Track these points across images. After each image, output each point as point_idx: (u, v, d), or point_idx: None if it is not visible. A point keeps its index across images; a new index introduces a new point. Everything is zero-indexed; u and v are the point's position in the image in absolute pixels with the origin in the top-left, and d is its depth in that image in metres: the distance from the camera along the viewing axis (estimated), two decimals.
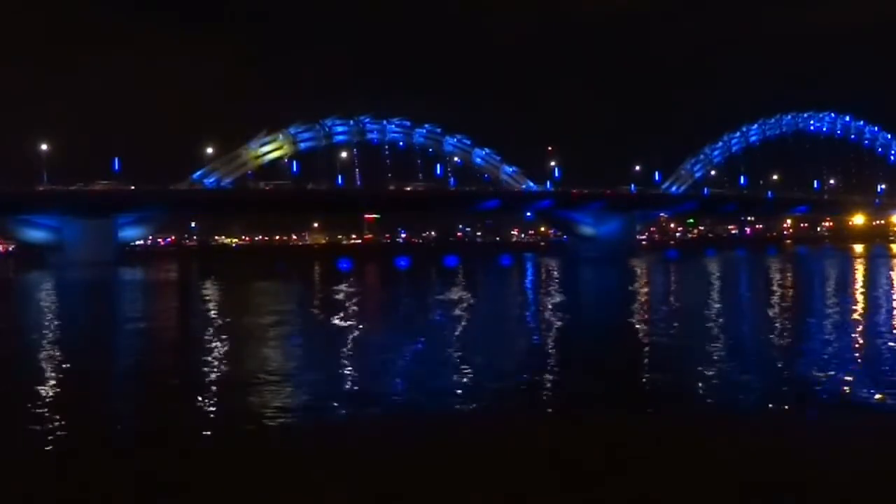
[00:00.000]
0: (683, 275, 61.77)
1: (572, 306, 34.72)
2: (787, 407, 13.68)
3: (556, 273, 65.58)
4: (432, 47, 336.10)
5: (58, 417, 13.24)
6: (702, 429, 12.38)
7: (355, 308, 33.93)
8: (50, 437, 11.98)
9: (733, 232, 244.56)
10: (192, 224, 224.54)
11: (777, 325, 25.84)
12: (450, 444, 11.57)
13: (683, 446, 11.28)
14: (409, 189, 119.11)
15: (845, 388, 15.03)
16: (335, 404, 14.14)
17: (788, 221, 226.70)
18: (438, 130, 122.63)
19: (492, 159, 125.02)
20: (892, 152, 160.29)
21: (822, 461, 10.53)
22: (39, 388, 15.88)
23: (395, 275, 70.41)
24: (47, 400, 14.91)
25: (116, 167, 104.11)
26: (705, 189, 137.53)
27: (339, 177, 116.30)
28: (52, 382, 16.87)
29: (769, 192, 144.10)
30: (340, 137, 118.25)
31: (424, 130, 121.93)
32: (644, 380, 16.38)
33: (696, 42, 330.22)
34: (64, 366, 19.14)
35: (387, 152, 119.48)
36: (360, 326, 26.39)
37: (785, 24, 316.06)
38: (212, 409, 14.24)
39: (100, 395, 15.94)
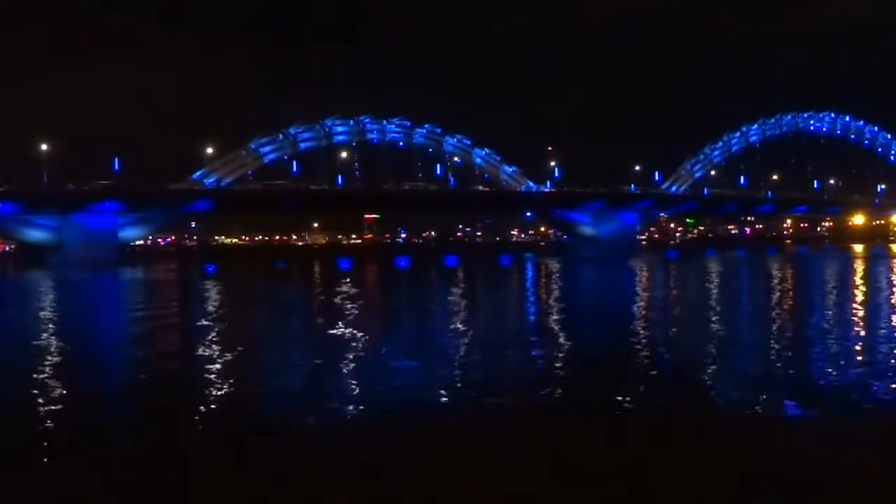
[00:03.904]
0: (684, 275, 61.73)
1: (573, 309, 34.68)
2: (776, 408, 13.67)
3: (555, 274, 65.54)
4: (433, 47, 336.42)
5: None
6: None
7: (354, 311, 33.84)
8: None
9: (733, 232, 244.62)
10: (192, 224, 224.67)
11: (777, 327, 25.81)
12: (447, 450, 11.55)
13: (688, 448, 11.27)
14: (409, 189, 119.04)
15: (849, 387, 15.03)
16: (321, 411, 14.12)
17: (788, 221, 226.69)
18: (438, 130, 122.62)
19: (492, 159, 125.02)
20: (892, 152, 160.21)
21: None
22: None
23: (396, 275, 70.37)
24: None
25: (116, 167, 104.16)
26: (705, 189, 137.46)
27: (339, 177, 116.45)
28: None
29: (769, 192, 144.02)
30: (340, 137, 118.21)
31: (424, 130, 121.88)
32: (640, 386, 16.33)
33: (697, 42, 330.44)
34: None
35: (387, 152, 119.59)
36: (358, 331, 26.33)
37: (785, 24, 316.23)
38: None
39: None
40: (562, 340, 23.07)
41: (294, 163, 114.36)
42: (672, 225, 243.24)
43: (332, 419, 13.24)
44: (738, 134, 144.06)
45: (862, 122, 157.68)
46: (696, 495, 9.22)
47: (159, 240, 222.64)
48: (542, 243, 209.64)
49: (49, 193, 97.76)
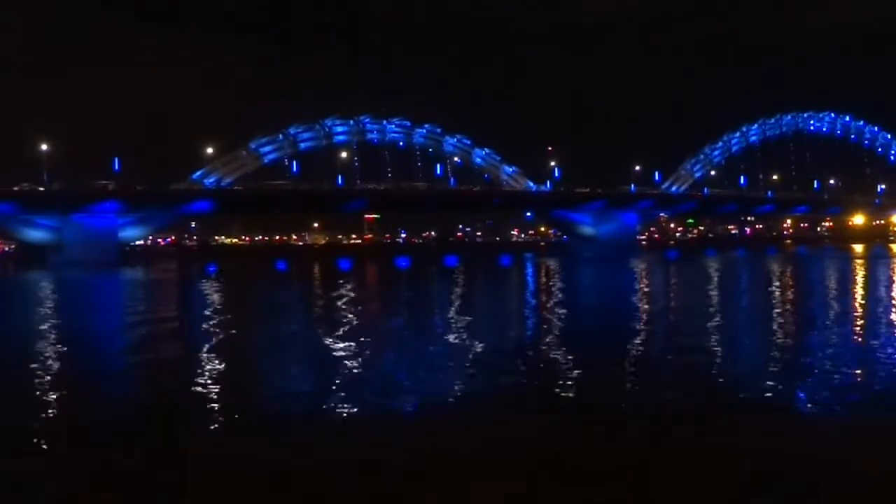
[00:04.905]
0: (684, 275, 61.74)
1: (573, 309, 34.69)
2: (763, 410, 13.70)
3: (555, 274, 65.54)
4: (433, 47, 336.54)
5: None
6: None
7: (354, 312, 33.86)
8: None
9: (733, 232, 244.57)
10: (192, 224, 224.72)
11: (778, 327, 25.84)
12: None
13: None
14: (409, 189, 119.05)
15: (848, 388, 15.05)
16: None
17: (788, 221, 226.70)
18: (438, 130, 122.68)
19: (492, 159, 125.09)
20: (892, 152, 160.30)
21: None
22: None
23: (396, 275, 70.35)
24: None
25: (117, 167, 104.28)
26: (705, 189, 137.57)
27: (339, 177, 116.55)
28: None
29: (769, 192, 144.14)
30: (340, 137, 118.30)
31: (424, 130, 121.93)
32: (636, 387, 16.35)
33: (697, 42, 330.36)
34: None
35: (387, 152, 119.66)
36: (357, 331, 26.35)
37: (785, 24, 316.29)
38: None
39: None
40: (560, 338, 23.11)
41: (294, 163, 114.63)
42: (672, 225, 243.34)
43: (320, 415, 13.30)
44: (738, 134, 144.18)
45: (862, 122, 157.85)
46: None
47: (159, 240, 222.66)
48: (542, 243, 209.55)
49: (49, 193, 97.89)
